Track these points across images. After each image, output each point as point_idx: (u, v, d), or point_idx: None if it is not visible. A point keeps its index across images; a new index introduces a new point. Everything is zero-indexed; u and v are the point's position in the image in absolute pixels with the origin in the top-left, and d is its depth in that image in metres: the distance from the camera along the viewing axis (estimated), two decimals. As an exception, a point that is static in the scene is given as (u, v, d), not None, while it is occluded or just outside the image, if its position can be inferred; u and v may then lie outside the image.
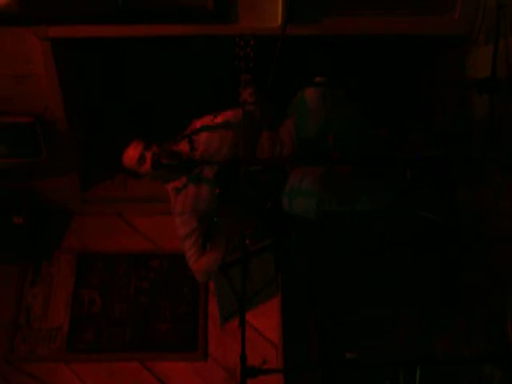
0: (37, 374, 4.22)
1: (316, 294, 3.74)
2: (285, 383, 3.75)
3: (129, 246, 4.68)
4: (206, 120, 3.62)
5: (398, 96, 4.37)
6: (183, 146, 3.51)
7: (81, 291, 4.49)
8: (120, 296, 4.46)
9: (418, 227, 3.53)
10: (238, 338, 2.76)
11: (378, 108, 3.99)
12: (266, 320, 4.20)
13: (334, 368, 3.53)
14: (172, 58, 4.46)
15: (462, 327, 3.61)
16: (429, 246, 3.61)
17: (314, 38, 3.71)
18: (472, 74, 3.68)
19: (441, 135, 4.07)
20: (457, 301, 3.68)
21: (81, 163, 4.61)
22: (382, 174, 3.44)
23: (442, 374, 3.48)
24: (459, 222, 3.58)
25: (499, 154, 3.30)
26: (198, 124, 3.61)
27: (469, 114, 3.73)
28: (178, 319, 4.36)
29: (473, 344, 3.51)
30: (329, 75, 3.49)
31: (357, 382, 3.46)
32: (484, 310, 3.48)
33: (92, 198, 4.78)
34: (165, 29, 3.64)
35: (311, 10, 3.56)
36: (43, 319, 4.40)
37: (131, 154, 3.39)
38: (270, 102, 3.23)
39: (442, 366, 3.45)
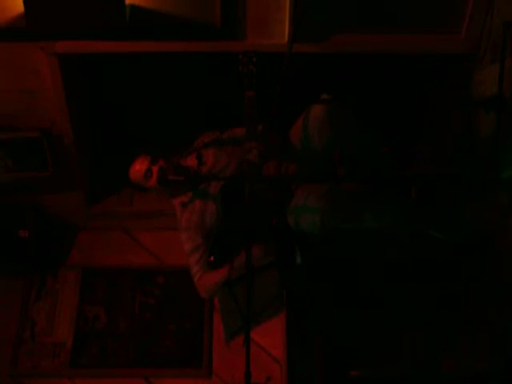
0: (40, 388, 4.23)
1: (320, 311, 3.73)
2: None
3: (134, 262, 4.68)
4: (214, 135, 3.62)
5: (403, 114, 4.37)
6: (191, 161, 3.51)
7: (85, 306, 4.49)
8: (125, 312, 4.46)
9: (423, 245, 3.53)
10: (243, 355, 2.76)
11: (383, 126, 3.99)
12: (270, 337, 4.19)
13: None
14: (180, 73, 4.47)
15: (468, 344, 3.59)
16: (434, 263, 3.60)
17: (321, 55, 3.72)
18: (478, 92, 3.69)
19: (447, 154, 4.06)
20: (461, 318, 3.66)
21: (87, 178, 4.60)
22: (388, 191, 3.43)
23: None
24: (465, 240, 3.57)
25: (505, 173, 3.30)
26: (206, 139, 3.61)
27: (475, 132, 3.73)
28: (183, 336, 4.36)
29: (478, 361, 3.49)
30: (335, 93, 3.49)
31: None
32: (489, 327, 3.47)
33: (98, 212, 4.78)
34: (172, 45, 3.66)
35: (318, 28, 3.57)
36: (47, 334, 4.40)
37: (138, 168, 3.39)
38: (275, 120, 3.22)
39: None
